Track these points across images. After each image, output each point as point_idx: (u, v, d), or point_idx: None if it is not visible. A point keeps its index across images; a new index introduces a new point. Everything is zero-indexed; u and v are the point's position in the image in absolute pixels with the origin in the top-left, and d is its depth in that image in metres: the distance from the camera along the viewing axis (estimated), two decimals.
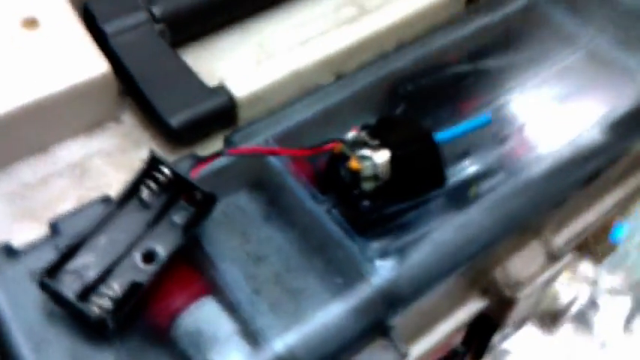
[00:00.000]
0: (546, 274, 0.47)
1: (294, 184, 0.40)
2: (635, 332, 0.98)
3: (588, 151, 0.45)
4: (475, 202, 0.41)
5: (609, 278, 1.00)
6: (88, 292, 0.34)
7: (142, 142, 0.44)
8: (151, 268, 0.35)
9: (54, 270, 0.34)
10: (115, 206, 0.36)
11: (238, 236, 0.40)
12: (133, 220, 0.36)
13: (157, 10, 0.47)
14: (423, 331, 0.46)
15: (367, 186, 0.38)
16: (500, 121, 0.46)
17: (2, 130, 0.40)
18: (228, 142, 0.42)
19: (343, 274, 0.38)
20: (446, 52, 0.49)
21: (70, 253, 0.34)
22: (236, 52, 0.50)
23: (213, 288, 0.36)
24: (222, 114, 0.44)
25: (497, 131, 0.46)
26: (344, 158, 0.39)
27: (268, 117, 0.43)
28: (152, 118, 0.44)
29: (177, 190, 0.37)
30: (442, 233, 0.40)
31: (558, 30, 0.52)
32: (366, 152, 0.38)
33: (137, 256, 0.35)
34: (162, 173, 0.36)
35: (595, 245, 0.70)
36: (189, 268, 0.37)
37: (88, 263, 0.34)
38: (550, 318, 0.81)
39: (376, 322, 0.37)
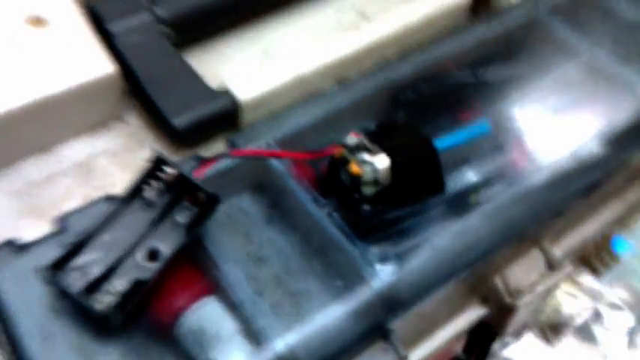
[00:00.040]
0: (546, 283, 0.47)
1: (295, 187, 0.40)
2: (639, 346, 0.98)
3: (587, 162, 0.45)
4: (474, 209, 0.42)
5: (613, 292, 1.00)
6: (92, 287, 0.34)
7: (147, 143, 0.45)
8: (154, 266, 0.35)
9: (60, 266, 0.34)
10: (119, 205, 0.37)
11: (241, 238, 0.41)
12: (137, 218, 0.36)
13: (162, 12, 0.47)
14: (424, 336, 0.46)
15: (368, 190, 0.39)
16: (500, 132, 0.47)
17: (8, 128, 0.41)
18: (230, 144, 0.42)
19: (343, 277, 0.39)
20: (447, 62, 0.49)
21: (75, 249, 0.35)
22: (240, 57, 0.50)
23: (215, 288, 0.37)
24: (226, 117, 0.44)
25: (497, 141, 0.46)
26: (345, 162, 0.39)
27: (271, 120, 0.44)
28: (156, 119, 0.44)
29: (181, 190, 0.37)
30: (441, 239, 0.40)
31: (559, 43, 0.52)
32: (366, 157, 0.39)
33: (141, 254, 0.36)
34: (166, 173, 0.37)
35: (596, 258, 0.71)
36: (193, 268, 0.37)
37: (93, 260, 0.35)
38: (552, 329, 0.81)
39: (376, 325, 0.37)
